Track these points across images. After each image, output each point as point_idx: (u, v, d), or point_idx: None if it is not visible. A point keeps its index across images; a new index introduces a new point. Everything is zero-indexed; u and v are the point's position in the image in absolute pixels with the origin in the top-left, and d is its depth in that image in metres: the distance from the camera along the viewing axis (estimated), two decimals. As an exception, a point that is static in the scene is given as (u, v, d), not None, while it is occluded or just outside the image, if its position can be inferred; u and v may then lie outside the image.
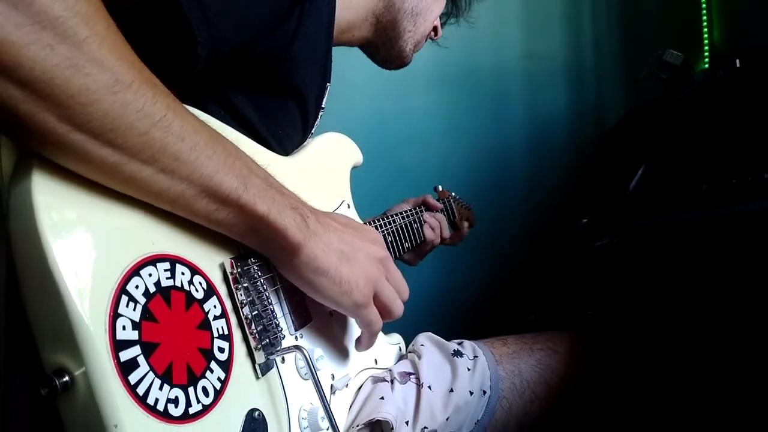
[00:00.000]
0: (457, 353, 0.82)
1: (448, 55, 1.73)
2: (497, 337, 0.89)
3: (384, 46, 0.91)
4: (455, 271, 1.76)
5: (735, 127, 1.02)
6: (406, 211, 1.03)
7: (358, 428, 0.67)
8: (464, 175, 1.76)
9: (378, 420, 0.67)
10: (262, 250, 0.54)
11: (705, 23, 1.60)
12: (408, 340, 0.88)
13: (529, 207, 1.80)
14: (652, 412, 0.86)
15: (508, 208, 1.79)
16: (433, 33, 0.96)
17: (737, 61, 1.10)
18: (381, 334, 0.83)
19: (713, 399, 0.85)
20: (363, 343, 0.65)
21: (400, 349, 0.86)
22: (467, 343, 0.85)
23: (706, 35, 1.59)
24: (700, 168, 1.03)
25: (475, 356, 0.82)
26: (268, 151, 0.67)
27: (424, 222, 1.06)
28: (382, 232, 0.93)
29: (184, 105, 0.46)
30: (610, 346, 0.89)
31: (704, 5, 1.60)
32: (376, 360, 0.78)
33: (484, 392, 0.79)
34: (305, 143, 0.80)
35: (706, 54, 1.59)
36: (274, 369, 0.55)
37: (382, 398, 0.70)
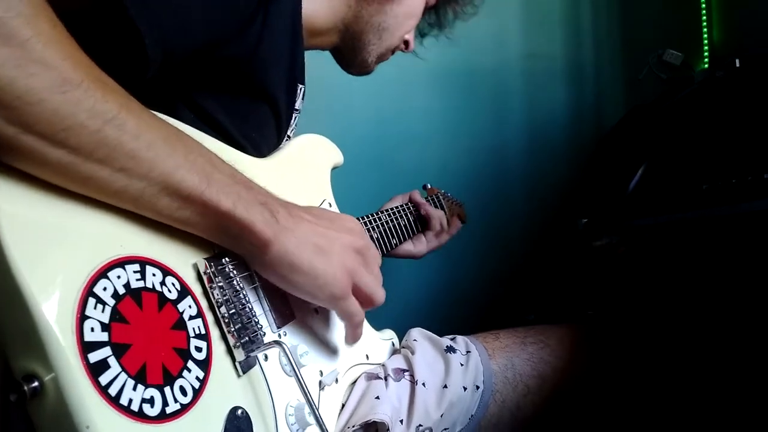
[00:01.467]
0: (450, 349, 0.82)
1: (448, 55, 1.73)
2: (490, 331, 0.89)
3: (348, 54, 0.92)
4: (454, 270, 1.76)
5: (735, 127, 1.02)
6: (394, 208, 1.03)
7: (353, 429, 0.67)
8: (464, 175, 1.76)
9: (374, 421, 0.67)
10: (233, 248, 0.54)
11: (705, 23, 1.60)
12: (402, 338, 0.88)
13: (529, 207, 1.80)
14: (646, 406, 0.86)
15: (507, 207, 1.79)
16: (403, 46, 0.97)
17: (737, 61, 1.10)
18: (373, 330, 0.83)
19: (712, 398, 0.85)
20: (348, 337, 0.65)
21: (393, 345, 0.86)
22: (460, 338, 0.85)
23: (705, 35, 1.59)
24: (700, 168, 1.03)
25: (468, 351, 0.82)
26: (237, 151, 0.66)
27: (427, 211, 1.07)
28: (368, 228, 0.93)
29: (141, 104, 0.45)
30: (603, 339, 0.89)
31: (704, 5, 1.60)
32: (367, 356, 0.77)
33: (478, 387, 0.79)
34: (282, 145, 0.80)
35: (706, 54, 1.59)
36: (257, 367, 0.54)
37: (378, 398, 0.70)
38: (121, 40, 0.49)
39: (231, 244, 0.53)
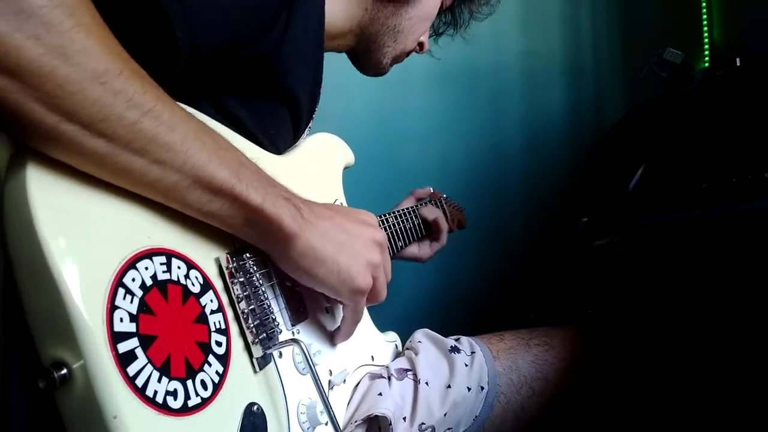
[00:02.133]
0: (455, 349, 0.82)
1: (447, 55, 1.73)
2: (494, 333, 0.89)
3: (364, 56, 0.93)
4: (454, 269, 1.76)
5: (735, 126, 1.02)
6: (402, 210, 1.04)
7: (356, 424, 0.67)
8: (463, 174, 1.76)
9: (376, 416, 0.67)
10: (258, 243, 0.54)
11: (705, 22, 1.60)
12: (406, 338, 0.88)
13: (529, 206, 1.80)
14: (649, 407, 0.86)
15: (507, 207, 1.79)
16: (418, 47, 0.97)
17: (737, 60, 1.10)
18: (377, 332, 0.83)
19: (712, 398, 0.85)
20: (343, 333, 0.65)
21: (396, 347, 0.86)
22: (464, 339, 0.85)
23: (706, 34, 1.59)
24: (700, 167, 1.03)
25: (473, 352, 0.82)
26: (258, 148, 0.67)
27: (425, 212, 1.07)
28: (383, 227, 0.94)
29: (172, 98, 0.45)
30: (606, 342, 0.89)
31: (704, 4, 1.60)
32: (372, 357, 0.78)
33: (482, 388, 0.79)
34: (297, 143, 0.80)
35: (707, 53, 1.59)
36: (272, 364, 0.55)
37: (380, 394, 0.70)
38: (153, 33, 0.50)
39: (256, 239, 0.53)
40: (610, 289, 1.30)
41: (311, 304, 0.65)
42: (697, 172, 1.02)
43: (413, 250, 1.08)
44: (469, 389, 0.77)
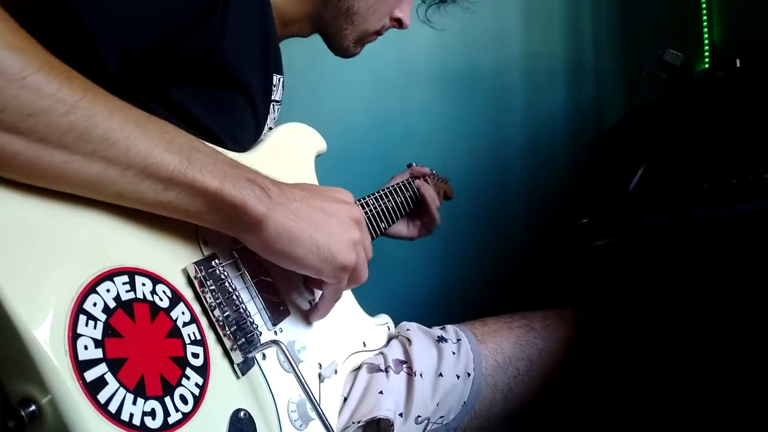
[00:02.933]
0: (441, 339, 0.84)
1: (448, 55, 1.73)
2: (477, 319, 0.91)
3: (327, 39, 0.92)
4: (453, 269, 1.76)
5: (735, 127, 1.02)
6: (392, 186, 1.04)
7: (358, 424, 0.67)
8: (464, 174, 1.76)
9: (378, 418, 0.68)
10: (226, 230, 0.51)
11: (705, 23, 1.60)
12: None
13: (529, 206, 1.80)
14: (635, 390, 0.87)
15: (507, 207, 1.79)
16: (396, 23, 0.93)
17: (737, 61, 1.10)
18: (367, 316, 0.83)
19: (712, 398, 0.85)
20: (321, 311, 0.64)
21: (388, 329, 0.87)
22: (449, 327, 0.87)
23: (706, 35, 1.59)
24: (700, 168, 1.03)
25: (458, 339, 0.84)
26: (220, 148, 0.65)
27: (420, 186, 1.08)
28: (367, 209, 0.94)
29: (105, 90, 0.43)
30: (587, 322, 0.92)
31: (704, 5, 1.60)
32: (364, 343, 0.78)
33: (469, 374, 0.80)
34: (262, 137, 0.79)
35: (706, 54, 1.59)
36: (255, 367, 0.54)
37: (381, 392, 0.70)
38: (73, 40, 0.48)
39: (223, 226, 0.51)
40: (610, 290, 1.30)
41: (292, 300, 0.64)
42: (697, 173, 1.02)
43: (400, 228, 1.07)
44: (458, 377, 0.79)
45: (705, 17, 1.60)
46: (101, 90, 0.43)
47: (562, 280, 1.66)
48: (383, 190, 1.03)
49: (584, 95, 1.83)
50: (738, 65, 1.10)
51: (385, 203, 1.01)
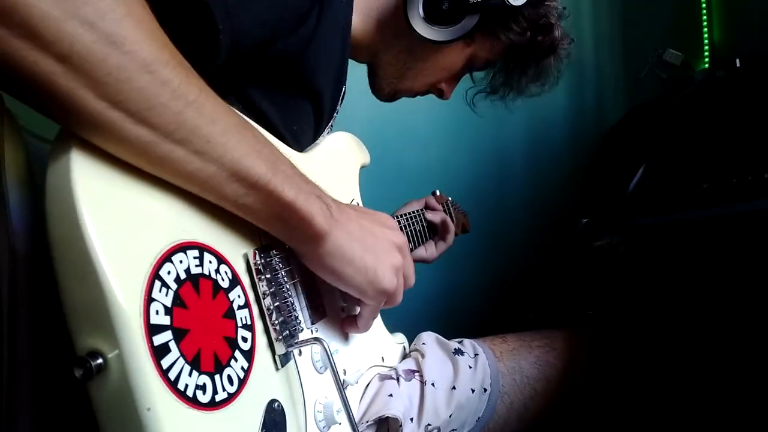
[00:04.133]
0: (458, 351, 0.82)
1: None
2: (496, 335, 0.90)
3: (371, 75, 0.93)
4: (455, 270, 1.76)
5: (735, 127, 1.02)
6: (411, 212, 1.03)
7: (367, 424, 0.68)
8: (465, 175, 1.76)
9: (386, 416, 0.68)
10: (288, 239, 0.54)
11: (705, 23, 1.60)
12: (409, 339, 0.89)
13: (529, 207, 1.80)
14: (649, 408, 0.86)
15: (508, 208, 1.79)
16: (437, 93, 0.95)
17: (737, 61, 1.11)
18: (388, 333, 0.84)
19: (712, 398, 0.85)
20: (359, 327, 0.65)
21: (404, 348, 0.87)
22: (467, 341, 0.86)
23: (706, 35, 1.59)
24: (700, 167, 1.03)
25: (476, 354, 0.83)
26: (283, 144, 0.67)
27: (432, 218, 1.07)
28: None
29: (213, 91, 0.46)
30: (608, 343, 0.90)
31: (704, 5, 1.60)
32: (383, 358, 0.78)
33: (485, 390, 0.79)
34: (317, 141, 0.81)
35: (706, 54, 1.59)
36: (292, 361, 0.55)
37: (391, 395, 0.71)
38: (196, 27, 0.50)
39: (286, 235, 0.53)
40: (610, 290, 1.30)
41: (329, 303, 0.65)
42: (697, 173, 1.02)
43: (421, 252, 1.07)
44: (473, 391, 0.78)
45: (705, 17, 1.60)
46: (211, 92, 0.45)
47: (563, 280, 1.66)
48: (410, 213, 1.03)
49: (584, 95, 1.83)
50: (738, 65, 1.10)
51: (414, 225, 1.02)
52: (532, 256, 1.78)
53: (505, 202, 1.79)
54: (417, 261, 1.07)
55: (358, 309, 0.65)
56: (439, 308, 1.74)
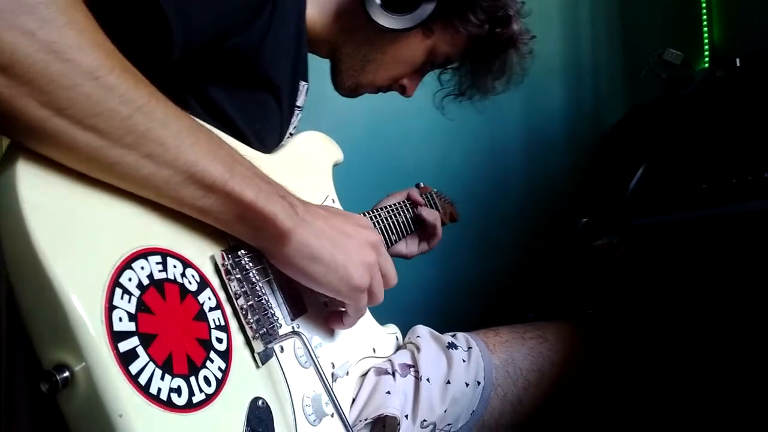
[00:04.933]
0: (452, 345, 0.83)
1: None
2: (489, 328, 0.90)
3: (333, 70, 0.92)
4: (454, 268, 1.76)
5: (735, 127, 1.02)
6: (391, 205, 1.02)
7: (366, 422, 0.68)
8: (462, 174, 1.76)
9: (384, 414, 0.68)
10: (252, 240, 0.54)
11: (705, 22, 1.60)
12: (404, 336, 0.89)
13: (529, 206, 1.80)
14: (644, 401, 0.87)
15: (507, 207, 1.79)
16: (400, 90, 0.95)
17: (737, 61, 1.10)
18: (378, 325, 0.83)
19: (710, 397, 0.85)
20: (347, 323, 0.65)
21: (397, 339, 0.87)
22: (460, 335, 0.86)
23: (706, 34, 1.59)
24: (700, 167, 1.03)
25: (469, 347, 0.83)
26: (247, 147, 0.67)
27: (422, 211, 1.04)
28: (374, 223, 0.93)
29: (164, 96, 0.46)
30: (601, 336, 0.90)
31: (704, 4, 1.60)
32: (374, 349, 0.78)
33: (479, 383, 0.80)
34: (284, 142, 0.80)
35: (706, 53, 1.59)
36: (274, 359, 0.55)
37: (388, 392, 0.71)
38: (147, 26, 0.50)
39: (249, 236, 0.53)
40: (609, 290, 1.30)
41: (309, 299, 0.65)
42: (697, 173, 1.02)
43: (400, 247, 1.05)
44: (467, 384, 0.78)
45: (705, 17, 1.60)
46: (162, 96, 0.45)
47: (563, 279, 1.66)
48: (392, 206, 1.01)
49: (584, 95, 1.83)
50: (738, 65, 1.10)
51: (395, 217, 1.00)
52: (532, 255, 1.78)
53: (505, 202, 1.79)
54: (395, 256, 1.05)
55: (342, 306, 0.64)
56: (437, 307, 1.74)
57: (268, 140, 0.75)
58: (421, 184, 1.19)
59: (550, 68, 1.81)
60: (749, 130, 0.97)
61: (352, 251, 0.58)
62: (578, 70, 1.83)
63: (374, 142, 1.66)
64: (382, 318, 0.87)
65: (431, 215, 1.04)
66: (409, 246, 1.06)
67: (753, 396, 0.80)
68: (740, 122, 1.01)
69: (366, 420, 0.68)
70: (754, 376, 0.80)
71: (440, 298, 1.75)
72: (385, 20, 0.78)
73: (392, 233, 0.98)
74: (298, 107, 0.85)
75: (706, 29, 1.59)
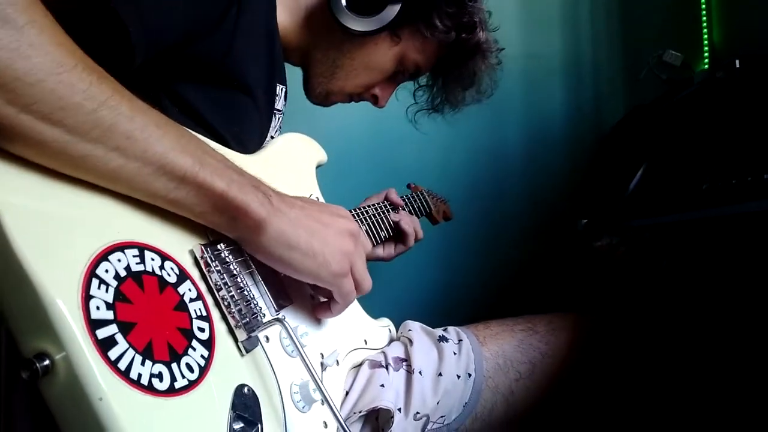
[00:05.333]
0: (443, 338, 0.84)
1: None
2: (479, 322, 0.91)
3: (304, 77, 0.92)
4: (453, 270, 1.76)
5: (735, 128, 1.03)
6: (374, 204, 1.01)
7: (360, 414, 0.69)
8: (463, 175, 1.76)
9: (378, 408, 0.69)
10: (227, 231, 0.54)
11: (705, 24, 1.60)
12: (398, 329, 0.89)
13: (529, 207, 1.80)
14: (638, 396, 0.87)
15: (507, 207, 1.79)
16: (372, 100, 0.95)
17: (737, 62, 1.10)
18: (369, 318, 0.84)
19: (709, 396, 0.85)
20: (334, 310, 0.65)
21: (390, 331, 0.88)
22: (451, 328, 0.87)
23: (705, 36, 1.59)
24: (700, 168, 1.03)
25: (460, 340, 0.84)
26: (226, 148, 0.67)
27: (398, 220, 1.02)
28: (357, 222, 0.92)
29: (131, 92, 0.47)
30: (591, 327, 0.91)
31: (704, 5, 1.60)
32: (365, 341, 0.79)
33: (470, 375, 0.80)
34: (264, 144, 0.81)
35: (706, 54, 1.59)
36: (259, 347, 0.55)
37: (382, 386, 0.72)
38: (107, 31, 0.51)
39: (225, 227, 0.53)
40: (610, 290, 1.30)
41: (294, 290, 0.66)
42: (697, 174, 1.02)
43: (377, 251, 1.04)
44: (458, 377, 0.79)
45: (705, 17, 1.60)
46: (127, 92, 0.46)
47: (563, 280, 1.66)
48: (374, 205, 0.99)
49: (583, 96, 1.83)
50: (738, 65, 1.10)
51: (380, 215, 0.98)
52: (532, 255, 1.78)
53: (505, 203, 1.79)
54: (373, 260, 1.03)
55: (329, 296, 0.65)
56: (437, 307, 1.74)
57: (248, 143, 0.75)
58: (413, 184, 1.19)
59: (550, 69, 1.81)
60: (749, 132, 0.98)
61: (328, 239, 0.59)
62: (578, 71, 1.83)
63: (374, 143, 1.66)
64: (378, 315, 0.87)
65: (408, 224, 1.02)
66: (386, 249, 1.05)
67: (752, 396, 0.80)
68: (740, 123, 1.02)
69: (360, 412, 0.69)
70: (753, 376, 0.80)
71: (440, 298, 1.75)
72: (352, 22, 0.79)
73: (380, 231, 0.97)
74: (278, 110, 0.85)
75: (705, 30, 1.59)
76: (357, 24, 0.79)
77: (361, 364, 0.77)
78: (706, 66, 1.58)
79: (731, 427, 0.82)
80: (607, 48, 1.83)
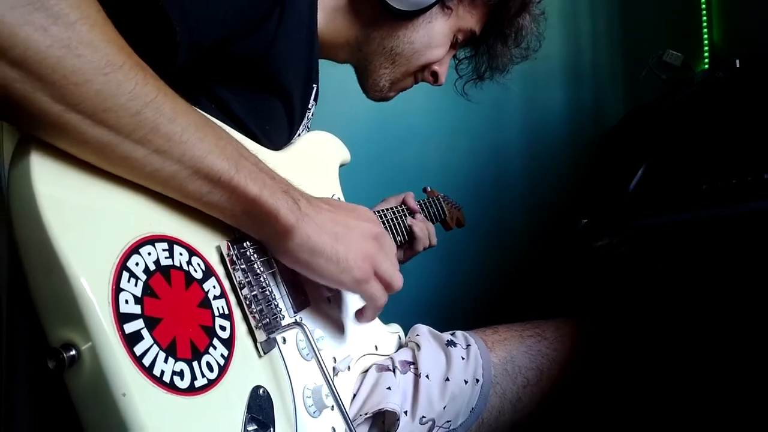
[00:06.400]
0: (451, 343, 0.83)
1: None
2: (488, 326, 0.90)
3: (361, 74, 0.91)
4: (455, 270, 1.76)
5: (735, 128, 1.03)
6: (392, 208, 1.01)
7: (366, 416, 0.69)
8: (464, 175, 1.76)
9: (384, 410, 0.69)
10: (256, 234, 0.55)
11: (705, 23, 1.60)
12: (407, 333, 0.89)
13: (529, 207, 1.80)
14: (644, 401, 0.87)
15: (507, 208, 1.79)
16: (431, 78, 0.94)
17: (737, 62, 1.11)
18: (381, 324, 0.84)
19: (709, 396, 0.85)
20: (366, 315, 0.65)
21: (399, 338, 0.87)
22: (459, 333, 0.87)
23: (706, 35, 1.59)
24: (700, 168, 1.03)
25: (468, 345, 0.84)
26: (254, 143, 0.68)
27: (412, 225, 1.02)
28: None
29: (174, 91, 0.46)
30: (599, 332, 0.90)
31: (704, 5, 1.60)
32: (376, 346, 0.79)
33: (477, 380, 0.80)
34: (292, 141, 0.81)
35: (706, 54, 1.59)
36: (276, 349, 0.55)
37: (389, 388, 0.72)
38: (153, 29, 0.51)
39: (254, 230, 0.54)
40: (610, 290, 1.30)
41: (313, 292, 0.66)
42: (697, 173, 1.02)
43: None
44: (465, 382, 0.79)
45: (705, 17, 1.60)
46: (170, 90, 0.46)
47: (563, 280, 1.66)
48: (395, 208, 1.00)
49: (584, 96, 1.83)
50: (738, 65, 1.10)
51: (394, 220, 0.99)
52: (532, 256, 1.79)
53: (505, 203, 1.79)
54: None
55: (348, 297, 0.65)
56: (438, 307, 1.74)
57: (277, 139, 0.75)
58: (428, 188, 1.18)
59: (551, 69, 1.82)
60: (749, 131, 0.98)
61: (353, 244, 0.59)
62: (578, 72, 1.83)
63: (375, 143, 1.66)
64: (384, 318, 0.87)
65: (422, 230, 1.02)
66: (398, 253, 1.04)
67: (752, 396, 0.80)
68: (740, 123, 1.02)
69: (366, 414, 0.69)
70: (754, 376, 0.81)
71: (442, 299, 1.76)
72: (402, 4, 0.79)
73: (402, 233, 0.98)
74: (309, 109, 0.85)
75: (705, 30, 1.60)
76: (408, 4, 0.79)
77: (368, 368, 0.77)
78: (706, 66, 1.58)
79: (733, 428, 0.82)
80: (607, 48, 1.83)
